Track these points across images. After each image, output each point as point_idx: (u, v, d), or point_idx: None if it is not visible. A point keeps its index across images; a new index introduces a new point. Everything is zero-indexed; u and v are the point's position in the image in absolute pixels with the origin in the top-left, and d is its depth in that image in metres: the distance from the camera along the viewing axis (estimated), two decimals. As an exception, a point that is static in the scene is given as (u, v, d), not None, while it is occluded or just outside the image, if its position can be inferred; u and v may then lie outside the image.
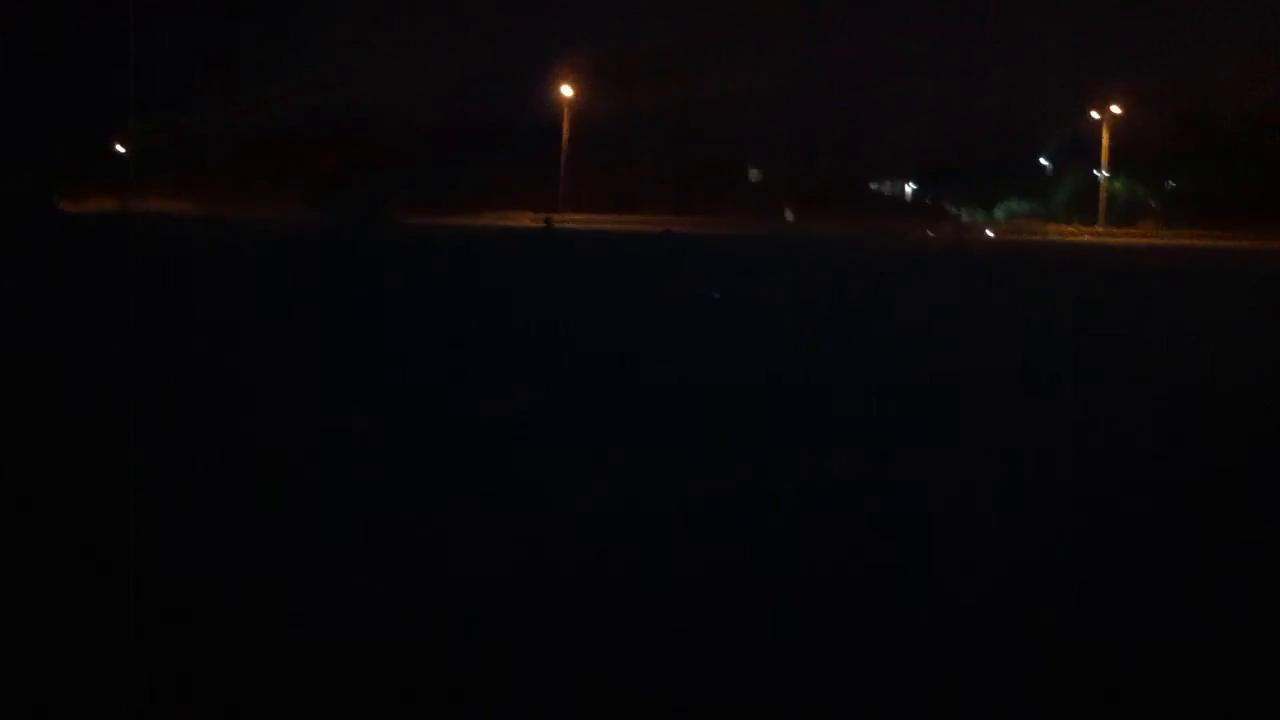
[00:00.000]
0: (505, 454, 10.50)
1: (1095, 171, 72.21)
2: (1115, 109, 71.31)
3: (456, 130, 66.13)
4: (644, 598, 7.29)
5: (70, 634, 6.47)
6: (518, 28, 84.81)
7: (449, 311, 21.32)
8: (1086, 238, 59.17)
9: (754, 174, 76.99)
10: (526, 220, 53.04)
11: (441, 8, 77.59)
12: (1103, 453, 10.89)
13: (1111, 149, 71.30)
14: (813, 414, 12.57)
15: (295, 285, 25.38)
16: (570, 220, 52.27)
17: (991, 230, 63.43)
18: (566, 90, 71.45)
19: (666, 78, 68.25)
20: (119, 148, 55.20)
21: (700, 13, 74.58)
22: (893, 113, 70.83)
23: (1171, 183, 71.69)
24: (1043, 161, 74.93)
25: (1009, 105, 69.30)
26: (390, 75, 69.27)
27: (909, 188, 76.94)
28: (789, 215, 69.29)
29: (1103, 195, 72.07)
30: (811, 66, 69.08)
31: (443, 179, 62.54)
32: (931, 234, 58.13)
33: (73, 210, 38.01)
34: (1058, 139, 73.12)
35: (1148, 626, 7.02)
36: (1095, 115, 71.93)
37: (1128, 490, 9.72)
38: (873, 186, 76.07)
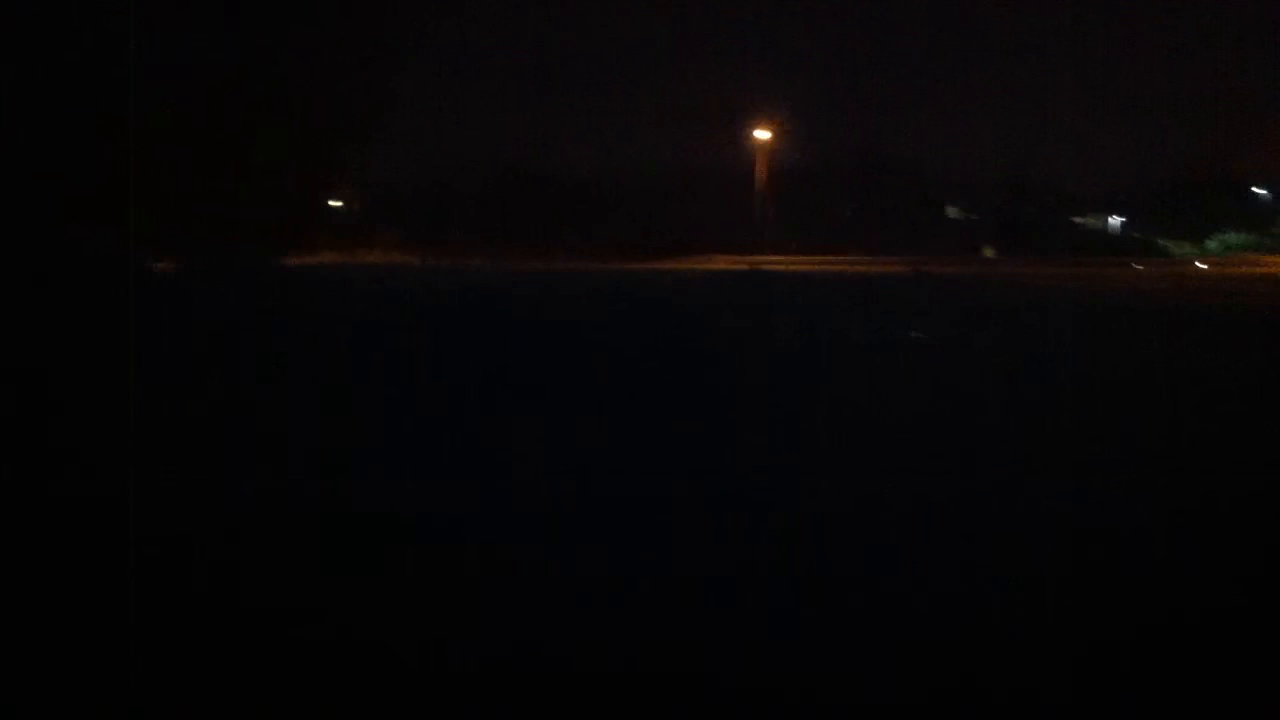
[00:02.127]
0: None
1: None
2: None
3: (649, 176, 66.27)
4: None
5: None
6: (708, 72, 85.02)
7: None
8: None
9: (952, 211, 75.71)
10: (724, 264, 52.61)
11: (636, 56, 78.08)
12: None
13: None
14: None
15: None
16: (773, 263, 51.66)
17: (1204, 264, 61.26)
18: (761, 134, 71.08)
19: (862, 116, 67.51)
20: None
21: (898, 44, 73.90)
22: (1097, 143, 69.21)
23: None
24: (1257, 190, 72.31)
25: (1221, 131, 67.15)
26: (580, 123, 69.60)
27: (1114, 221, 74.89)
28: (989, 252, 67.88)
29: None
30: (1010, 92, 67.77)
31: (638, 226, 62.62)
32: (1140, 268, 56.34)
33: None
34: (1276, 165, 70.58)
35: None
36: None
37: None
38: (1077, 220, 74.18)
